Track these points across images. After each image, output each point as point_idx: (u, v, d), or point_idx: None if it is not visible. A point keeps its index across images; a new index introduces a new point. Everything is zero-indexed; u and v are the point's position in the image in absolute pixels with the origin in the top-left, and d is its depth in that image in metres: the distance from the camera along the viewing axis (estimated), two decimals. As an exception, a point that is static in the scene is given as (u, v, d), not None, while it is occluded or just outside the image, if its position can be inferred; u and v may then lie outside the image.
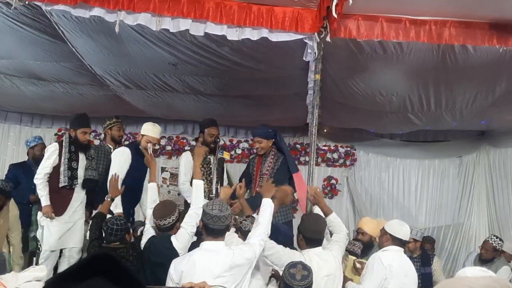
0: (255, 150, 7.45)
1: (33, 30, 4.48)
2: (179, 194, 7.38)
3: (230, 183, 6.13)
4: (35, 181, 4.83)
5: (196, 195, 3.87)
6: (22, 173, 5.99)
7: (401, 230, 3.98)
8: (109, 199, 4.46)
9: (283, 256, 3.51)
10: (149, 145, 4.75)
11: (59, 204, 4.85)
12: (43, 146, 6.03)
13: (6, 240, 5.06)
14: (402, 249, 3.98)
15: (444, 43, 3.97)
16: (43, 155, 5.96)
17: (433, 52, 4.28)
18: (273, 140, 5.10)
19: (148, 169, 4.63)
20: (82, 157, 5.01)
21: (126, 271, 0.99)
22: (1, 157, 7.57)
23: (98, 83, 5.77)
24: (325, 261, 3.58)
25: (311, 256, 3.55)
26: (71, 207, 4.90)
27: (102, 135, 7.50)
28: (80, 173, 4.96)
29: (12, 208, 5.11)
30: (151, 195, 4.17)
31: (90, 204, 5.16)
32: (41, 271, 2.66)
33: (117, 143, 5.53)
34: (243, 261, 3.14)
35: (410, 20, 3.88)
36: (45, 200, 4.80)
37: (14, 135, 7.68)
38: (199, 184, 3.93)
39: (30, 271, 2.67)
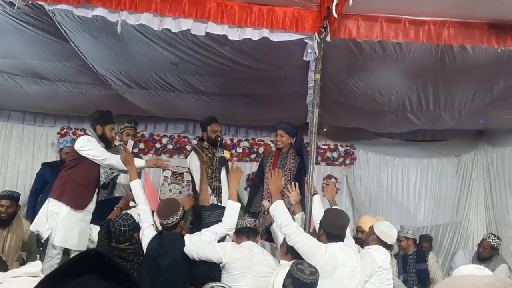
0: (256, 151, 7.48)
1: (36, 29, 4.48)
2: (180, 192, 7.38)
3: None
4: (105, 162, 4.56)
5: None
6: (50, 172, 5.82)
7: (389, 235, 4.08)
8: (118, 209, 4.44)
9: (307, 244, 3.50)
10: (129, 142, 4.62)
11: (81, 198, 4.63)
12: (68, 150, 5.82)
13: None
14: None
15: (443, 43, 3.97)
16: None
17: (432, 52, 4.28)
18: (294, 139, 5.13)
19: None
20: None
21: (117, 267, 0.99)
22: (4, 155, 7.55)
23: (100, 82, 5.76)
24: (349, 256, 3.57)
25: (335, 250, 3.52)
26: (89, 205, 4.70)
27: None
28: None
29: (22, 220, 5.11)
30: (136, 194, 4.08)
31: None
32: (34, 267, 2.57)
33: None
34: None
35: (410, 20, 3.87)
36: (139, 161, 4.68)
37: (17, 134, 7.66)
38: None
39: (25, 267, 2.61)
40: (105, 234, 4.07)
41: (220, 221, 3.88)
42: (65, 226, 4.52)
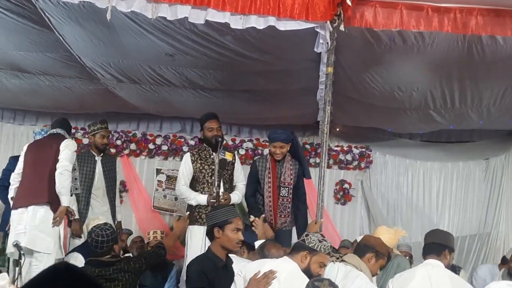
0: (261, 153, 7.47)
1: (16, 16, 4.47)
2: (176, 199, 7.39)
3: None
4: (63, 172, 4.69)
5: None
6: None
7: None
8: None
9: None
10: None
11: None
12: None
13: None
14: None
15: (471, 34, 3.96)
16: None
17: (458, 43, 4.27)
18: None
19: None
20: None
21: (86, 278, 1.03)
22: (-19, 155, 7.59)
23: (88, 76, 5.77)
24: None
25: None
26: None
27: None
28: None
29: None
30: None
31: None
32: (1, 280, 2.61)
33: (101, 151, 5.60)
34: None
35: (433, 7, 3.87)
36: (68, 200, 4.78)
37: (-5, 133, 7.71)
38: None
39: None
40: None
41: None
42: (61, 234, 4.78)
